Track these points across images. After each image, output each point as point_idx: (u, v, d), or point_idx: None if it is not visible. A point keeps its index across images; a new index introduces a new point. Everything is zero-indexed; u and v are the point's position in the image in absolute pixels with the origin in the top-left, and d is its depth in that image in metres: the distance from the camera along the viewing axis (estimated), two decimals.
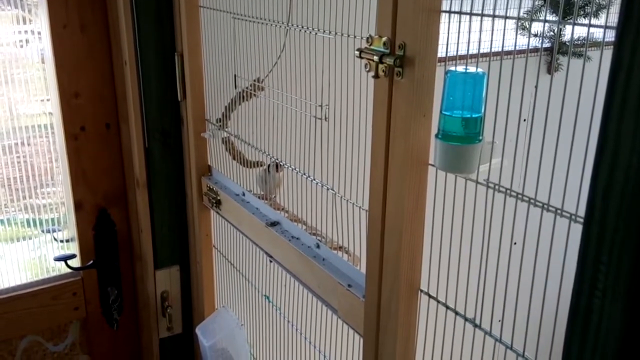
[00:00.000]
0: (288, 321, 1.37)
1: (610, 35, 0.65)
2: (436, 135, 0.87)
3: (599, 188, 0.56)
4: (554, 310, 0.76)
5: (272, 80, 1.28)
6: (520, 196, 0.79)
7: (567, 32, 2.24)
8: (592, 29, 0.79)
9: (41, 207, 1.70)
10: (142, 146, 1.60)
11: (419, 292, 0.97)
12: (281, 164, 1.29)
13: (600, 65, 0.64)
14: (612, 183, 0.55)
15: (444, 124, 0.85)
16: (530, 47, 2.31)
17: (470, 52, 0.83)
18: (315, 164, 1.15)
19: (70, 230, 1.73)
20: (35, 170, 1.66)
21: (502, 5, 0.82)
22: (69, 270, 1.67)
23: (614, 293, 0.56)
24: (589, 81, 0.69)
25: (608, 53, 0.62)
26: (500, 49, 0.80)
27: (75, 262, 1.68)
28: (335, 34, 1.04)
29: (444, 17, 0.85)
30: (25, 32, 1.61)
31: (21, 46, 1.60)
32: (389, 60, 0.87)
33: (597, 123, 0.59)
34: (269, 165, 1.38)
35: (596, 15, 2.27)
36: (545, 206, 0.76)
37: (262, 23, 1.24)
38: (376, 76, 0.90)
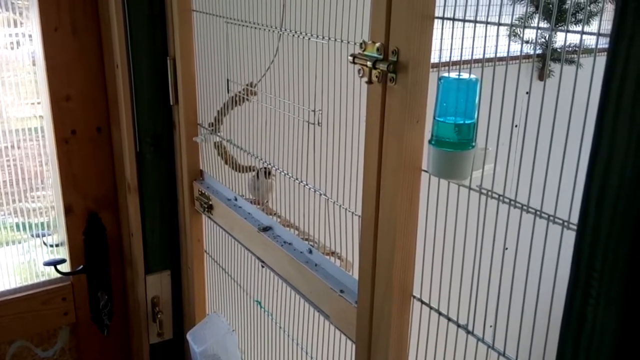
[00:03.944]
0: (280, 327, 1.37)
1: (603, 42, 0.65)
2: (429, 141, 0.87)
3: (592, 195, 0.56)
4: (547, 317, 0.76)
5: (265, 84, 1.28)
6: (513, 202, 0.79)
7: (559, 39, 2.25)
8: (583, 36, 0.79)
9: (31, 211, 1.69)
10: (133, 150, 1.59)
11: (412, 298, 0.97)
12: (271, 168, 1.29)
13: (593, 71, 0.64)
14: (606, 190, 0.55)
15: (437, 130, 0.85)
16: (522, 54, 2.32)
17: (463, 59, 0.84)
18: (308, 169, 1.15)
19: (60, 234, 1.71)
20: (25, 173, 1.65)
21: (495, 12, 0.82)
22: (58, 275, 1.65)
23: (607, 300, 0.56)
24: (581, 87, 0.69)
25: (600, 59, 0.63)
26: (493, 56, 0.80)
27: (65, 267, 1.67)
28: (329, 39, 1.04)
29: (437, 23, 0.85)
30: (16, 34, 1.59)
31: (12, 49, 1.59)
32: (383, 66, 0.87)
33: (589, 129, 0.60)
34: (257, 172, 1.38)
35: (587, 22, 2.28)
36: (538, 212, 0.76)
37: (255, 28, 1.24)
38: (369, 82, 0.90)
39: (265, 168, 1.34)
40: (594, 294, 0.57)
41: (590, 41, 0.79)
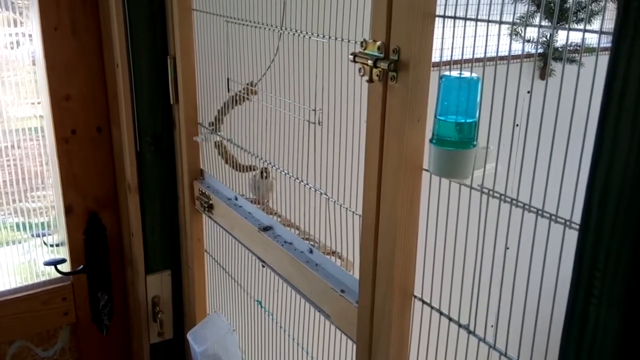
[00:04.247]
0: (280, 327, 1.36)
1: (605, 41, 0.65)
2: (430, 140, 0.86)
3: (595, 194, 0.56)
4: (549, 317, 0.76)
5: (265, 84, 1.27)
6: (514, 202, 0.79)
7: (560, 38, 2.25)
8: (584, 35, 0.79)
9: (31, 211, 1.68)
10: (133, 150, 1.59)
11: (413, 297, 0.97)
12: (269, 167, 1.29)
13: (595, 70, 0.64)
14: (609, 189, 0.55)
15: (438, 128, 0.85)
16: (523, 53, 2.31)
17: (464, 58, 0.83)
18: (308, 168, 1.15)
19: (60, 234, 1.71)
20: (26, 173, 1.64)
21: (496, 11, 0.82)
22: (58, 275, 1.65)
23: (610, 300, 0.55)
24: (582, 86, 0.69)
25: (602, 58, 0.62)
26: (494, 55, 0.80)
27: (65, 267, 1.66)
28: (329, 38, 1.04)
29: (438, 22, 0.85)
30: (16, 34, 1.59)
31: (12, 48, 1.59)
32: (383, 65, 0.86)
33: (591, 128, 0.59)
34: (259, 171, 1.38)
35: (589, 21, 2.28)
36: (540, 212, 0.76)
37: (256, 26, 1.24)
38: (370, 80, 0.90)
39: (263, 168, 1.34)
40: (596, 294, 0.56)
41: (591, 40, 0.79)
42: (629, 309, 0.54)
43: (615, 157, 0.54)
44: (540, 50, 2.64)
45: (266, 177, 1.36)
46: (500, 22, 0.80)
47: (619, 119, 0.53)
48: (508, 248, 0.80)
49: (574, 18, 2.29)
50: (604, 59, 0.58)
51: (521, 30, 1.91)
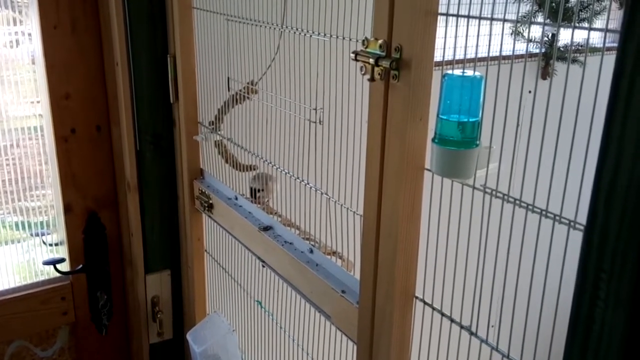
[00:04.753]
0: (280, 327, 1.36)
1: (609, 40, 0.64)
2: (432, 140, 0.85)
3: (600, 195, 0.55)
4: (552, 318, 0.75)
5: (266, 82, 1.27)
6: (517, 202, 0.78)
7: (562, 37, 2.24)
8: (586, 35, 0.78)
9: (30, 210, 1.68)
10: (133, 149, 1.58)
11: (414, 298, 0.96)
12: (273, 169, 1.28)
13: (600, 69, 0.63)
14: (615, 190, 0.54)
15: (441, 128, 0.84)
16: (527, 52, 2.30)
17: (467, 57, 0.82)
18: (309, 168, 1.14)
19: (59, 233, 1.70)
20: (25, 172, 1.64)
21: (499, 10, 0.81)
22: (58, 274, 1.64)
23: (616, 302, 0.55)
24: (585, 86, 0.68)
25: (604, 57, 0.62)
26: (496, 54, 0.79)
27: (65, 266, 1.66)
28: (331, 36, 1.03)
29: (440, 20, 0.84)
30: (16, 33, 1.59)
31: (11, 47, 1.58)
32: (385, 63, 0.86)
33: (595, 128, 0.58)
34: (259, 175, 1.37)
35: (592, 21, 2.27)
36: (544, 212, 0.75)
37: (256, 25, 1.23)
38: (372, 79, 0.89)
39: (264, 174, 1.34)
40: (602, 296, 0.56)
41: (593, 40, 0.78)
42: (635, 311, 0.54)
43: (622, 156, 0.53)
44: (542, 50, 2.63)
45: (263, 190, 1.35)
46: (504, 21, 0.79)
47: (625, 118, 0.53)
48: (510, 248, 0.79)
49: (576, 18, 2.28)
50: (607, 58, 0.57)
51: (524, 29, 1.91)
